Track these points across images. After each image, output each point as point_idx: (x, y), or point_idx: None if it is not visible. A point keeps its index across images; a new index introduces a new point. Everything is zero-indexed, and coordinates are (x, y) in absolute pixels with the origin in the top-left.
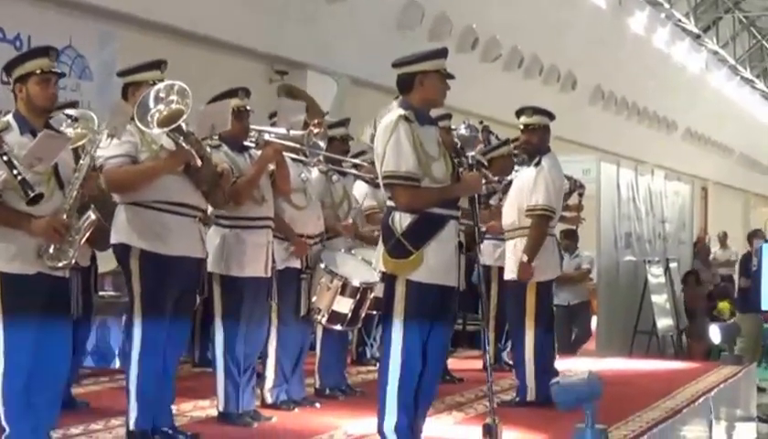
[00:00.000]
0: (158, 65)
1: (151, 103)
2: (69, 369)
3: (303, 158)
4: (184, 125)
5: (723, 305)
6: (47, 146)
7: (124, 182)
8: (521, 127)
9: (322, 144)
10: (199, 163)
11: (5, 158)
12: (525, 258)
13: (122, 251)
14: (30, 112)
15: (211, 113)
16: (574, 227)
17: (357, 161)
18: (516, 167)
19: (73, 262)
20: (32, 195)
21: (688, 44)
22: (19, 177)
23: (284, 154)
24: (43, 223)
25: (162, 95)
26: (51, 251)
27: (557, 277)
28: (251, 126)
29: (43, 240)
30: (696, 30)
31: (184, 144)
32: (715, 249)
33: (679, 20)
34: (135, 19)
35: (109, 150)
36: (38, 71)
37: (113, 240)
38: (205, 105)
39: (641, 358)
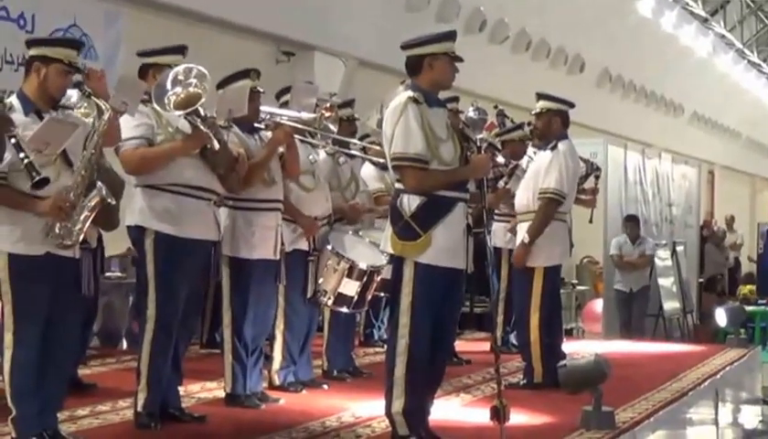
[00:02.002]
0: (181, 50)
1: (168, 85)
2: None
3: (311, 140)
4: (201, 109)
5: (748, 290)
6: (53, 131)
7: (140, 164)
8: (532, 112)
9: (333, 127)
10: (217, 146)
11: (13, 141)
12: (526, 239)
13: (137, 233)
14: (38, 95)
15: (229, 97)
16: (590, 210)
17: (365, 143)
18: (531, 151)
19: (79, 239)
20: (37, 179)
21: (695, 27)
22: (26, 161)
23: (294, 136)
24: (48, 202)
25: (180, 78)
26: (57, 230)
27: (621, 263)
28: (262, 108)
29: (49, 219)
30: (703, 14)
31: (202, 127)
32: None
33: (687, 3)
34: None
35: (125, 132)
36: (66, 61)
37: (128, 221)
38: (222, 89)
39: (647, 340)
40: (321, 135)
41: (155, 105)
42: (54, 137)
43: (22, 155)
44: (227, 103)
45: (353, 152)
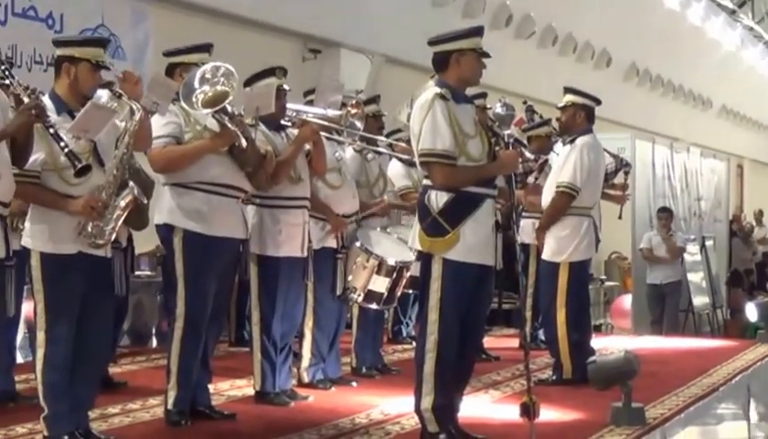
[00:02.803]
0: (207, 48)
1: (196, 84)
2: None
3: (337, 138)
4: (229, 107)
5: None
6: (93, 117)
7: (169, 162)
8: (557, 106)
9: (359, 124)
10: (244, 144)
11: (51, 131)
12: (537, 226)
13: (166, 232)
14: (70, 94)
15: (256, 96)
16: (619, 205)
17: (391, 140)
18: (558, 147)
19: (111, 239)
20: (80, 166)
21: (723, 20)
22: (66, 150)
23: (320, 133)
24: (81, 201)
25: (208, 76)
26: (90, 229)
27: (651, 256)
28: (288, 105)
29: (82, 218)
30: (731, 5)
31: (229, 125)
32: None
33: None
34: None
35: (153, 130)
36: (93, 60)
37: (157, 220)
38: (250, 87)
39: (677, 336)
40: (347, 133)
41: (183, 103)
42: (93, 124)
43: (62, 143)
44: (254, 101)
45: (380, 149)
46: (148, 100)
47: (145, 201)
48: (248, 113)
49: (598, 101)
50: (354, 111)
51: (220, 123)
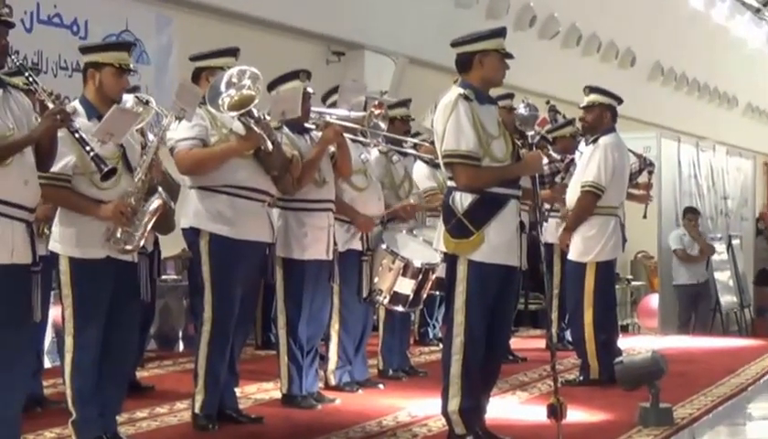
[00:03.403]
0: (233, 52)
1: (222, 87)
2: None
3: (362, 139)
4: (255, 110)
5: None
6: (118, 121)
7: (194, 164)
8: (581, 106)
9: (383, 125)
10: (270, 147)
11: (76, 136)
12: (563, 226)
13: (192, 236)
14: (98, 99)
15: (283, 99)
16: (643, 205)
17: (416, 140)
18: (581, 146)
19: (140, 245)
20: (105, 170)
21: (748, 18)
22: (92, 153)
23: (344, 135)
24: (111, 207)
25: (234, 80)
26: (119, 234)
27: (686, 256)
28: (311, 108)
29: (111, 224)
30: (756, 4)
31: (255, 128)
32: None
33: None
34: (191, 3)
35: (179, 133)
36: (116, 64)
37: (183, 224)
38: (276, 91)
39: (705, 335)
40: (371, 133)
41: (209, 106)
42: (118, 127)
43: (87, 148)
44: (281, 105)
45: (406, 150)
46: (176, 106)
47: (173, 206)
48: (274, 117)
49: (620, 100)
50: (377, 111)
51: (246, 126)
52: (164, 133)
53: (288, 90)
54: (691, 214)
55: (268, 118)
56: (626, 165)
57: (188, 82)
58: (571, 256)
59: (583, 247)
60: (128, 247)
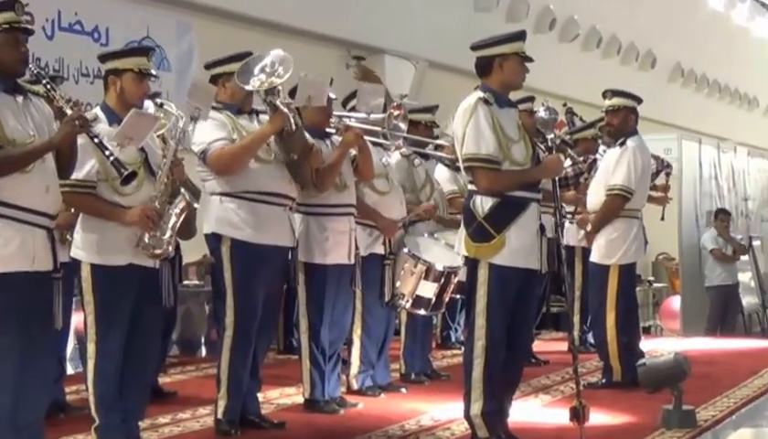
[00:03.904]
0: (246, 57)
1: (256, 70)
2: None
3: (383, 141)
4: (281, 90)
5: None
6: (136, 125)
7: (231, 159)
8: (604, 109)
9: (403, 126)
10: (294, 127)
11: (95, 141)
12: (589, 227)
13: (214, 241)
14: (119, 105)
15: (310, 84)
16: (661, 207)
17: (439, 142)
18: (602, 149)
19: (169, 248)
20: (125, 173)
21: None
22: (111, 158)
23: (365, 138)
24: (137, 212)
25: (267, 70)
26: (147, 240)
27: (722, 256)
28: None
29: (138, 229)
30: None
31: (281, 107)
32: None
33: None
34: (212, 9)
35: (207, 135)
36: (136, 69)
37: (205, 229)
38: (304, 73)
39: (727, 336)
40: (391, 134)
41: (237, 80)
42: (137, 131)
43: (107, 152)
44: (307, 89)
45: (428, 152)
46: (190, 106)
47: (197, 206)
48: (299, 100)
49: (640, 101)
50: (396, 112)
51: (272, 105)
52: (181, 134)
53: (316, 78)
54: (723, 215)
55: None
56: (649, 168)
57: (201, 81)
58: (594, 258)
59: (606, 249)
60: (158, 251)
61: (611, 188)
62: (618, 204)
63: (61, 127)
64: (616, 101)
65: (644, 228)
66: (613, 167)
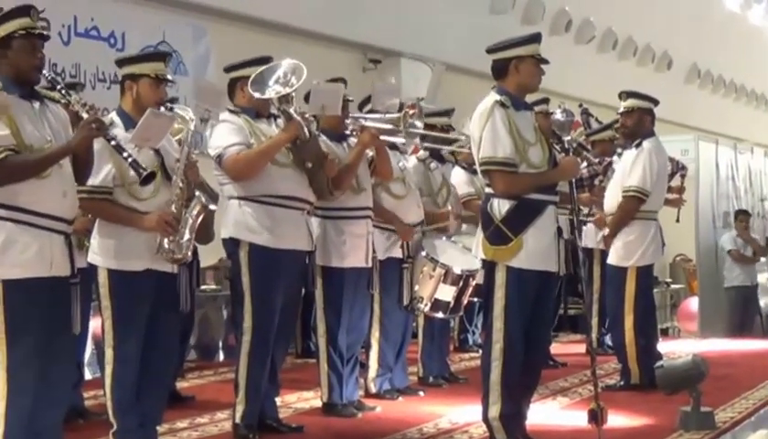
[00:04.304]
0: (266, 61)
1: (270, 82)
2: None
3: (399, 140)
4: (294, 99)
5: None
6: (153, 125)
7: (247, 165)
8: (619, 111)
9: (419, 124)
10: (308, 135)
11: (113, 143)
12: (606, 231)
13: (232, 246)
14: (136, 110)
15: (323, 92)
16: (676, 209)
17: (455, 136)
18: (618, 151)
19: (189, 253)
20: (144, 174)
21: None
22: (129, 159)
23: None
24: (154, 217)
25: (282, 80)
26: (166, 245)
27: (740, 257)
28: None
29: (156, 235)
30: None
31: (295, 116)
32: None
33: None
34: (228, 13)
35: (223, 139)
36: (152, 74)
37: (223, 234)
38: (317, 81)
39: (745, 338)
40: (407, 133)
41: (249, 88)
42: (153, 131)
43: (125, 154)
44: (321, 98)
45: (442, 146)
46: (199, 108)
47: (214, 207)
48: (312, 108)
49: (657, 102)
50: (411, 111)
51: (286, 113)
52: (192, 137)
53: (329, 85)
54: (743, 216)
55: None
56: (666, 169)
57: (207, 82)
58: (611, 261)
59: (624, 251)
60: (178, 256)
61: (626, 190)
62: (634, 206)
63: (78, 131)
64: (630, 102)
65: (661, 229)
66: (629, 169)
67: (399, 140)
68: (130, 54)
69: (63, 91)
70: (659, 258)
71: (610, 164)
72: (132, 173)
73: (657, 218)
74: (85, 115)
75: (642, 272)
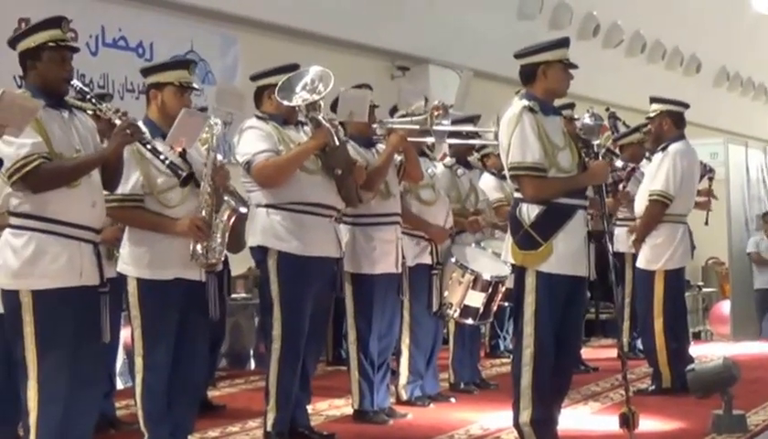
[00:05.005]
0: (293, 69)
1: (297, 88)
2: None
3: (427, 139)
4: (322, 105)
5: None
6: (187, 125)
7: (275, 171)
8: (646, 116)
9: (446, 122)
10: (337, 142)
11: (148, 147)
12: (633, 237)
13: (260, 254)
14: (162, 119)
15: (351, 99)
16: (705, 211)
17: (482, 129)
18: (647, 155)
19: (222, 257)
20: (184, 174)
21: None
22: (167, 162)
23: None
24: (185, 222)
25: (309, 87)
26: (199, 250)
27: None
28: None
29: (188, 242)
30: None
31: (324, 122)
32: None
33: None
34: (256, 22)
35: (252, 146)
36: (177, 83)
37: (251, 242)
38: (344, 89)
39: None
40: (436, 133)
41: (277, 96)
42: (188, 131)
43: (162, 156)
44: (349, 105)
45: (468, 142)
46: (220, 112)
47: (244, 210)
48: (341, 115)
49: (684, 106)
50: (437, 112)
51: (314, 120)
52: (217, 142)
53: (356, 91)
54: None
55: (333, 116)
56: (696, 172)
57: (227, 86)
58: (640, 264)
59: (652, 255)
60: (212, 261)
61: (651, 194)
62: (658, 210)
63: (113, 137)
64: (655, 107)
65: (690, 232)
66: (654, 173)
67: (428, 140)
68: (154, 63)
69: (94, 101)
70: (688, 261)
71: (633, 170)
72: (159, 180)
73: (686, 221)
74: (118, 122)
75: (670, 275)
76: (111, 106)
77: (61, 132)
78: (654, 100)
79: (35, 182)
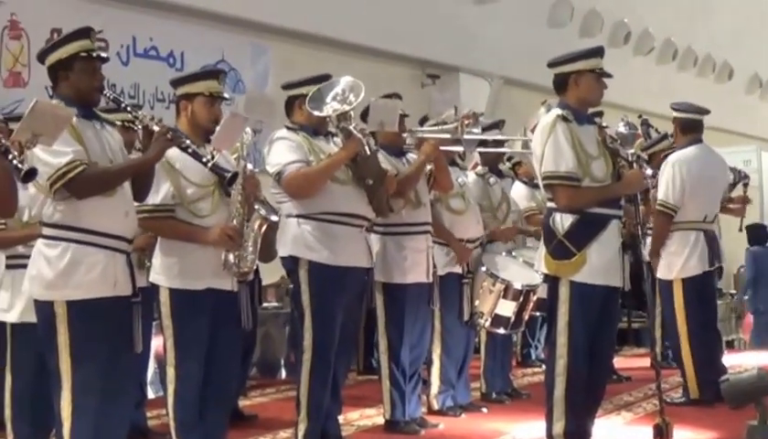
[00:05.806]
0: (325, 79)
1: (328, 98)
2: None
3: (458, 149)
4: (353, 115)
5: None
6: (231, 127)
7: (306, 182)
8: None
9: (476, 130)
10: (368, 152)
11: (189, 150)
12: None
13: (291, 264)
14: (191, 129)
15: (381, 109)
16: (740, 219)
17: (509, 137)
18: None
19: (254, 266)
20: (229, 175)
21: None
22: (209, 164)
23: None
24: (217, 231)
25: (339, 98)
26: (231, 259)
27: None
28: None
29: (220, 252)
30: None
31: (355, 132)
32: None
33: None
34: (286, 31)
35: (283, 157)
36: (207, 93)
37: (282, 252)
38: (374, 98)
39: None
40: (467, 143)
41: (307, 106)
42: (232, 134)
43: (204, 159)
44: (379, 114)
45: (501, 148)
46: (251, 120)
47: (275, 219)
48: (372, 124)
49: (701, 111)
50: (467, 121)
51: (345, 130)
52: (247, 150)
53: (387, 101)
54: None
55: (364, 125)
56: (710, 176)
57: (255, 93)
58: (659, 274)
59: (667, 264)
60: (244, 269)
61: (656, 204)
62: (662, 220)
63: (154, 143)
64: (674, 114)
65: (714, 239)
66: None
67: (458, 149)
68: (183, 73)
69: (129, 109)
70: (705, 268)
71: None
72: (189, 191)
73: (705, 227)
74: (156, 128)
75: (688, 283)
76: (147, 114)
77: (96, 141)
78: (672, 107)
79: (79, 187)
